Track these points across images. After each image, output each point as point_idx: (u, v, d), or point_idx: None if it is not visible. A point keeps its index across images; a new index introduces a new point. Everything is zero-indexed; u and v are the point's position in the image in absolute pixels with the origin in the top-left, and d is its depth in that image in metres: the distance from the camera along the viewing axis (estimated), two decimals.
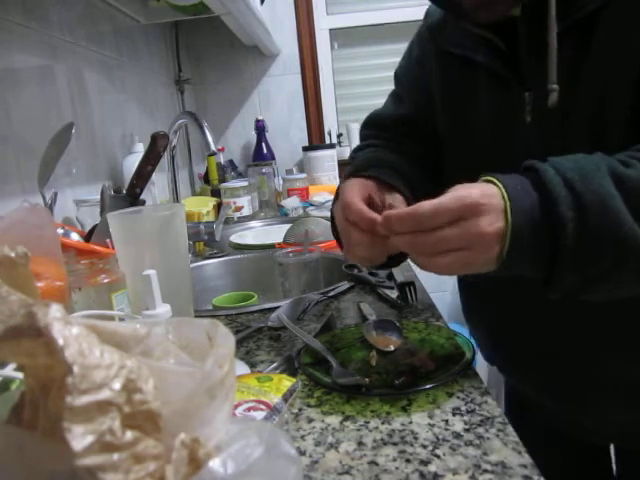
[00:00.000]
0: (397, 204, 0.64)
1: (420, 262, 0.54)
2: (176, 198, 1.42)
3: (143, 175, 1.00)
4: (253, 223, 1.77)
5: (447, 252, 0.51)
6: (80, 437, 0.24)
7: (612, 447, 0.91)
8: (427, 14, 0.82)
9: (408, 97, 0.84)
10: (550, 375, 0.75)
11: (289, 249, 1.05)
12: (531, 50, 0.64)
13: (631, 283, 0.53)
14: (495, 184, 0.52)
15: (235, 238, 1.51)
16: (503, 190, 0.51)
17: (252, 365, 0.68)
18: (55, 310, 0.26)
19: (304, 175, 2.12)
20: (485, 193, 0.51)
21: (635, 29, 0.58)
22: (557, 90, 0.59)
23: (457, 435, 0.49)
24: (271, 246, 1.34)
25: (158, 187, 1.48)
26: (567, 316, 0.68)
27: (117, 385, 0.26)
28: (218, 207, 1.75)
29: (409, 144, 0.81)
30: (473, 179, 0.73)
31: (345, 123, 2.37)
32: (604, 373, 0.70)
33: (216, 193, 1.92)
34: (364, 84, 2.45)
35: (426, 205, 0.50)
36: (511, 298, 0.73)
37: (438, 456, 0.46)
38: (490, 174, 0.54)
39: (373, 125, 0.87)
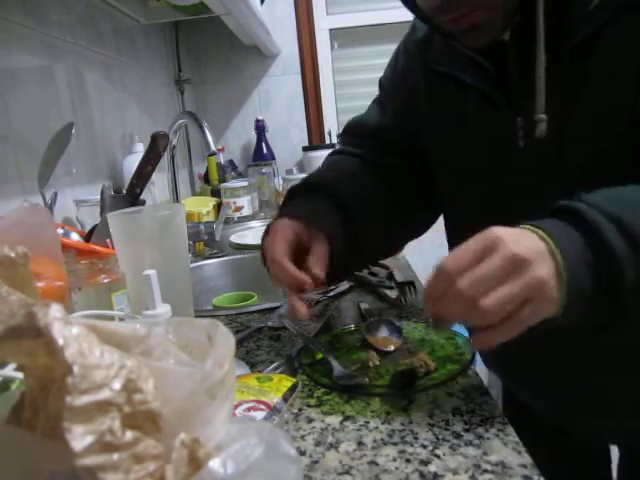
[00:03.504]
0: (318, 264, 0.63)
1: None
2: (176, 198, 1.42)
3: (143, 175, 1.00)
4: (253, 223, 1.76)
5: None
6: (80, 437, 0.24)
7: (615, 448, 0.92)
8: (414, 27, 0.80)
9: (391, 107, 0.83)
10: (549, 386, 0.75)
11: None
12: (521, 75, 0.63)
13: None
14: (554, 255, 0.47)
15: (235, 238, 1.51)
16: (562, 263, 0.46)
17: (252, 365, 0.68)
18: (55, 310, 0.26)
19: (304, 175, 2.12)
20: (551, 275, 0.46)
21: (631, 55, 0.56)
22: (545, 120, 0.58)
23: (457, 435, 0.49)
24: None
25: (158, 187, 1.48)
26: (568, 336, 0.68)
27: (117, 385, 0.26)
28: (218, 207, 1.75)
29: (388, 156, 0.80)
30: (464, 194, 0.73)
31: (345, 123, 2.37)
32: (602, 388, 0.70)
33: (216, 193, 1.92)
34: (364, 84, 2.45)
35: (493, 299, 0.45)
36: None
37: (438, 456, 0.46)
38: (539, 226, 0.49)
39: (354, 133, 0.86)
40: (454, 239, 0.81)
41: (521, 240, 0.47)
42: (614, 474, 0.93)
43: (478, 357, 0.79)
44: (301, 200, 0.73)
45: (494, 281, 0.45)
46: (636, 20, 0.56)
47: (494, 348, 0.48)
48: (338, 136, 2.42)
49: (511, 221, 0.53)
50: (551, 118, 0.59)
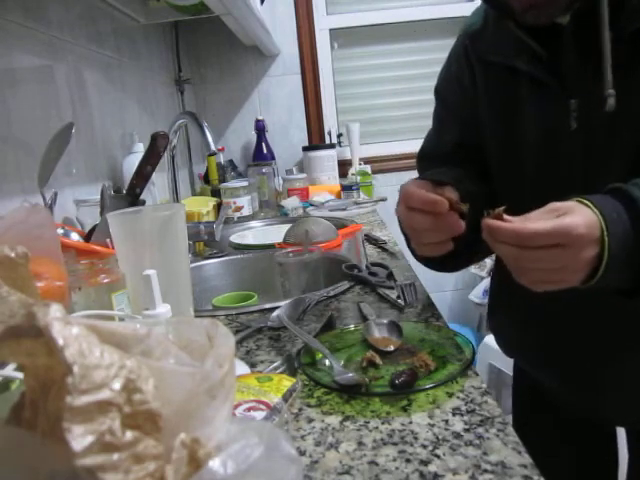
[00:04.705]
0: (449, 194, 0.67)
1: (516, 272, 0.57)
2: (176, 198, 1.42)
3: (143, 175, 1.00)
4: (253, 223, 1.76)
5: (541, 269, 0.55)
6: (80, 437, 0.24)
7: (623, 430, 0.93)
8: (466, 25, 0.83)
9: (453, 116, 0.86)
10: (570, 367, 0.78)
11: (289, 249, 1.05)
12: (578, 58, 0.65)
13: None
14: (593, 210, 0.55)
15: (235, 238, 1.51)
16: (601, 218, 0.54)
17: (252, 365, 0.68)
18: (55, 310, 0.26)
19: (304, 175, 2.12)
20: (587, 224, 0.53)
21: None
22: (614, 95, 0.60)
23: (457, 435, 0.49)
24: (271, 246, 1.34)
25: (158, 187, 1.48)
26: (593, 314, 0.71)
27: (117, 385, 0.26)
28: (218, 207, 1.75)
29: (467, 167, 0.83)
30: (519, 184, 0.75)
31: (345, 123, 2.37)
32: (622, 367, 0.72)
33: (216, 193, 1.92)
34: (364, 84, 2.45)
35: (530, 227, 0.53)
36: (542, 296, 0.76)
37: (438, 456, 0.46)
38: (584, 196, 0.56)
39: (428, 159, 0.90)
40: None
41: (590, 245, 0.53)
42: (621, 473, 0.94)
43: (479, 357, 0.79)
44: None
45: (550, 266, 0.54)
46: None
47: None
48: (338, 136, 2.42)
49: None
50: (597, 98, 0.61)
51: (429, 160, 0.89)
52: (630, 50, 0.62)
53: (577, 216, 0.53)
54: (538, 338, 0.81)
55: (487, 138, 0.81)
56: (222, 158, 2.16)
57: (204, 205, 1.63)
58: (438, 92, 0.90)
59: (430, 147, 0.90)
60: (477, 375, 0.61)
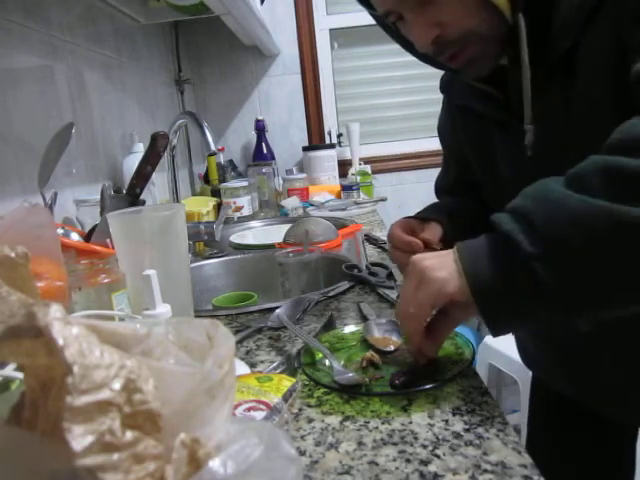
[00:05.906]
0: (430, 235, 0.75)
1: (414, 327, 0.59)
2: (176, 198, 1.42)
3: (143, 175, 1.00)
4: (253, 223, 1.77)
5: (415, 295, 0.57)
6: (80, 437, 0.24)
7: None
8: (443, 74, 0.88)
9: (449, 154, 0.94)
10: (590, 382, 0.79)
11: (289, 249, 1.05)
12: (520, 93, 0.68)
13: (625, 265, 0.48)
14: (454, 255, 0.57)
15: (235, 238, 1.51)
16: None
17: (252, 365, 0.68)
18: (55, 310, 0.26)
19: (304, 175, 2.12)
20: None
21: (608, 57, 0.60)
22: (531, 130, 0.66)
23: (457, 435, 0.49)
24: (271, 246, 1.34)
25: (158, 187, 1.48)
26: (612, 331, 0.71)
27: (117, 385, 0.26)
28: (218, 207, 1.75)
29: (472, 198, 0.88)
30: (499, 207, 0.80)
31: (345, 123, 2.37)
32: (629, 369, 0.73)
33: (216, 193, 1.92)
34: (364, 84, 2.45)
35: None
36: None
37: (438, 456, 0.46)
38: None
39: (441, 192, 0.98)
40: None
41: (438, 264, 0.56)
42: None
43: (479, 357, 0.79)
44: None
45: (412, 283, 0.57)
46: (609, 19, 0.59)
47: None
48: (338, 136, 2.42)
49: None
50: (545, 125, 0.65)
51: (441, 193, 0.97)
52: (562, 77, 0.63)
53: (451, 283, 0.55)
54: (556, 355, 0.83)
55: (476, 172, 0.85)
56: (222, 158, 2.16)
57: (204, 205, 1.63)
58: (438, 132, 0.96)
59: (439, 182, 0.99)
60: (477, 375, 0.61)
